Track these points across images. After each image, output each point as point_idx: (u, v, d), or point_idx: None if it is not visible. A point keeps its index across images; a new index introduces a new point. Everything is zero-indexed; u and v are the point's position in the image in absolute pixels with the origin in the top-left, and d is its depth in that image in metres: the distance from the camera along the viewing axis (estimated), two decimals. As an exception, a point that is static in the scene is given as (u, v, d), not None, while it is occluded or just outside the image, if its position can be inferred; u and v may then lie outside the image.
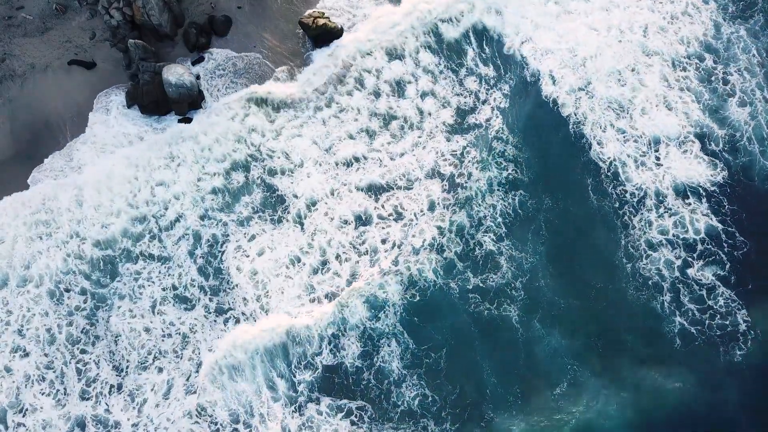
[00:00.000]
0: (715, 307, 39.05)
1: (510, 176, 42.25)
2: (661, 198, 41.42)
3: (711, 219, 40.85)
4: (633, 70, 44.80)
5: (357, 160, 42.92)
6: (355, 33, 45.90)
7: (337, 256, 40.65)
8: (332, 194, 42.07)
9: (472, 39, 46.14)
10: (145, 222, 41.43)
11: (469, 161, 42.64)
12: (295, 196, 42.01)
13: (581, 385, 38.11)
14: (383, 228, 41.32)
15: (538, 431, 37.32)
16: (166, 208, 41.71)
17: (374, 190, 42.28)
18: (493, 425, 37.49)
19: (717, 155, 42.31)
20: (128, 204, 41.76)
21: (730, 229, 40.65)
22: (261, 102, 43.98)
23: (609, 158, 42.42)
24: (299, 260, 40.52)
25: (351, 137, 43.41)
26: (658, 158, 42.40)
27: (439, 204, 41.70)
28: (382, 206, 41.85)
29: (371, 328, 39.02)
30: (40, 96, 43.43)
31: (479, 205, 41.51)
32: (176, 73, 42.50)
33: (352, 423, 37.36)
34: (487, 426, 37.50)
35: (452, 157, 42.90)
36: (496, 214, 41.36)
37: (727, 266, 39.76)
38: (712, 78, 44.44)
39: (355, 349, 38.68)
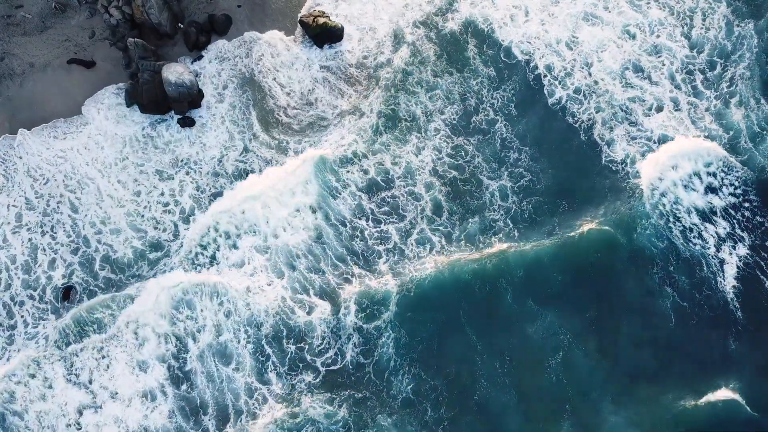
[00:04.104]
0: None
1: (523, 184, 41.91)
2: (671, 197, 41.05)
3: (716, 218, 40.74)
4: (637, 68, 44.43)
5: (359, 159, 42.63)
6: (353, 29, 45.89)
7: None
8: (333, 198, 41.81)
9: (469, 33, 45.80)
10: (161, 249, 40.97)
11: (476, 167, 42.38)
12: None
13: (576, 365, 38.05)
14: (381, 230, 41.01)
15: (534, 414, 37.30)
16: (176, 235, 41.15)
17: (375, 191, 41.98)
18: (488, 408, 37.40)
19: (724, 156, 41.92)
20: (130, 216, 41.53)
21: (739, 234, 40.65)
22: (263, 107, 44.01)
23: (620, 159, 42.03)
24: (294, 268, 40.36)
25: (357, 138, 43.02)
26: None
27: (445, 209, 41.47)
28: (380, 206, 41.57)
29: (367, 330, 38.76)
30: (39, 95, 43.29)
31: (490, 210, 41.25)
32: (176, 72, 42.34)
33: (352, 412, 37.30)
34: (482, 410, 37.36)
35: (455, 160, 42.58)
36: (508, 218, 41.16)
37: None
38: (719, 77, 44.03)
39: (352, 350, 38.44)
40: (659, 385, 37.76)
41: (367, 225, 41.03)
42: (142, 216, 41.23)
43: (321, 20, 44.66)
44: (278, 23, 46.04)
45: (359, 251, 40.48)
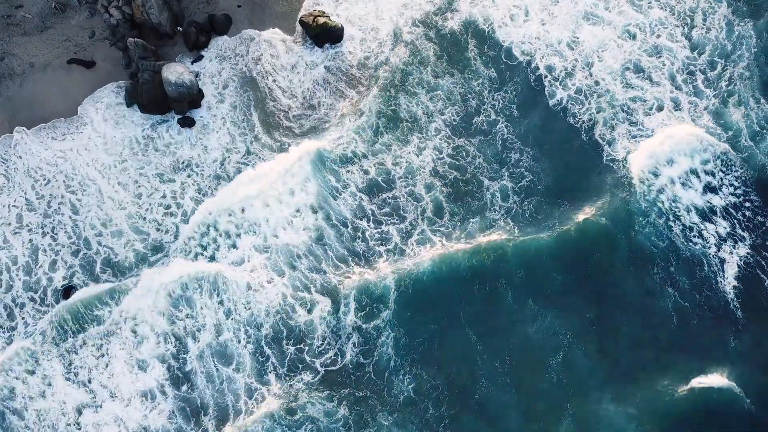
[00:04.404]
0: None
1: (524, 185, 41.90)
2: (669, 194, 41.17)
3: (717, 216, 40.80)
4: (638, 68, 44.40)
5: (358, 159, 42.56)
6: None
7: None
8: (333, 198, 41.72)
9: (470, 33, 45.71)
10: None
11: (478, 168, 42.34)
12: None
13: (576, 365, 38.20)
14: (382, 231, 40.99)
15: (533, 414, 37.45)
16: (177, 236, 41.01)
17: (375, 192, 41.90)
18: (488, 408, 37.50)
19: (721, 152, 42.03)
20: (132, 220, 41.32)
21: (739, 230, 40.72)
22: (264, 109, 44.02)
23: (621, 158, 42.05)
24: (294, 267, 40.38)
25: (356, 137, 42.94)
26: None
27: (446, 210, 41.43)
28: (381, 208, 41.54)
29: (365, 328, 38.80)
30: (39, 95, 43.24)
31: (491, 211, 41.26)
32: (176, 72, 42.30)
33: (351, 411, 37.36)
34: (482, 409, 37.46)
35: (456, 161, 42.53)
36: (509, 218, 41.22)
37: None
38: (720, 77, 44.03)
39: (351, 349, 38.47)
40: (655, 376, 37.98)
41: (368, 226, 40.98)
42: (144, 218, 41.13)
43: (321, 20, 44.57)
44: (278, 23, 45.93)
45: (360, 252, 40.45)
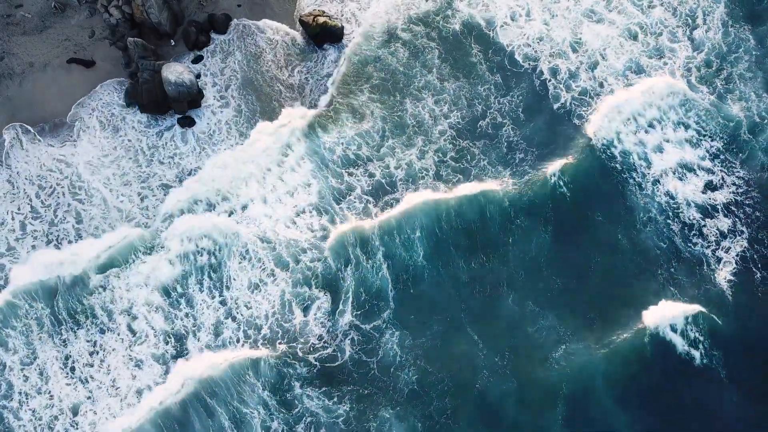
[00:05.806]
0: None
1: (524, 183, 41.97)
2: (669, 192, 41.32)
3: (718, 213, 40.88)
4: (640, 67, 44.42)
5: (363, 162, 42.25)
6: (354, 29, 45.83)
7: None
8: (337, 202, 41.32)
9: (473, 35, 45.63)
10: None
11: (482, 169, 42.19)
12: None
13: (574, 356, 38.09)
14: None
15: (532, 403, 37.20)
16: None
17: (379, 194, 41.67)
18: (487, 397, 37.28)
19: (720, 151, 42.28)
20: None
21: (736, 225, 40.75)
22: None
23: (624, 156, 42.24)
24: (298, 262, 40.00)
25: (360, 141, 42.75)
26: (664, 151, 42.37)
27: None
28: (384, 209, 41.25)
29: (364, 328, 38.44)
30: (39, 95, 43.11)
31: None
32: (176, 72, 42.13)
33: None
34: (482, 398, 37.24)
35: (460, 164, 42.34)
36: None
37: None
38: (721, 75, 44.24)
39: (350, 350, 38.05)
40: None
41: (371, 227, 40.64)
42: (148, 227, 40.58)
43: (321, 20, 44.43)
44: (278, 22, 45.78)
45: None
